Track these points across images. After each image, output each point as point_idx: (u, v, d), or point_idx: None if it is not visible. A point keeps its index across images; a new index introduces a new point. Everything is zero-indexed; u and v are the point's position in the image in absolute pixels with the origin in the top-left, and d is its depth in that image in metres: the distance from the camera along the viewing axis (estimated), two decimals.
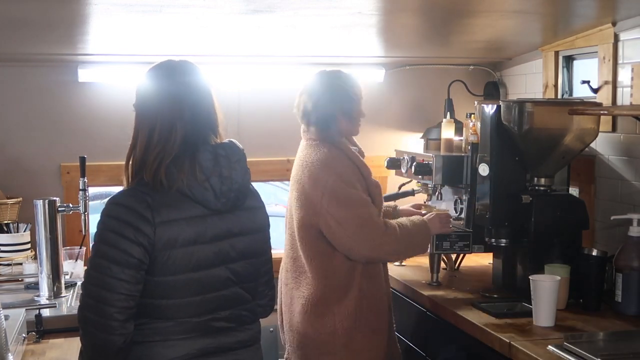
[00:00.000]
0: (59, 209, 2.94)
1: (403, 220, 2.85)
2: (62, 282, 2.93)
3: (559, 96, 3.46)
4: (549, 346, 2.27)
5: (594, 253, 2.70)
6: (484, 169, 2.91)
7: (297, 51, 3.60)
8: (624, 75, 2.98)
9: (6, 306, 2.50)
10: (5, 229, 3.37)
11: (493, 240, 2.93)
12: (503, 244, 2.91)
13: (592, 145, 3.03)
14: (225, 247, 1.92)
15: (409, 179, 3.49)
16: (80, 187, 3.00)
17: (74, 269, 3.17)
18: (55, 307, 2.74)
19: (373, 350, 2.80)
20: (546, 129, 2.79)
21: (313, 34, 3.23)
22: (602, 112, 2.81)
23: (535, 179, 2.89)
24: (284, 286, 2.87)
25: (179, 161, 1.86)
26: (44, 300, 2.86)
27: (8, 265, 3.31)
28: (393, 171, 3.59)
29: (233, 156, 1.92)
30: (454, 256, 3.37)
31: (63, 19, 2.76)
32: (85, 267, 1.93)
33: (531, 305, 2.55)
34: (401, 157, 3.49)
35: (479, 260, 3.49)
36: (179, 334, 1.87)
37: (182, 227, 1.84)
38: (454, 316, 2.73)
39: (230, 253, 1.93)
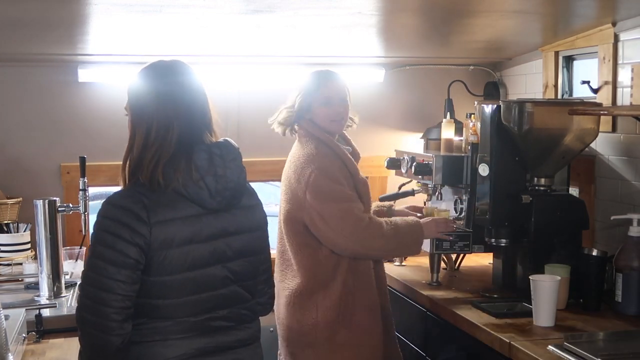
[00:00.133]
0: (59, 209, 2.94)
1: (396, 219, 2.86)
2: (62, 282, 2.93)
3: (559, 96, 3.46)
4: (549, 346, 2.27)
5: (594, 253, 2.70)
6: (484, 169, 2.91)
7: (297, 51, 3.60)
8: (624, 76, 2.98)
9: (6, 306, 2.50)
10: (5, 229, 3.38)
11: (493, 240, 2.93)
12: (503, 244, 2.92)
13: (592, 145, 3.03)
14: (221, 246, 1.92)
15: (409, 179, 3.49)
16: (80, 187, 3.00)
17: (74, 269, 3.18)
18: (55, 307, 2.74)
19: (363, 348, 2.79)
20: (546, 129, 2.79)
21: (313, 34, 3.23)
22: (602, 112, 2.81)
23: (535, 179, 2.89)
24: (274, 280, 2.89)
25: (175, 160, 1.86)
26: (44, 300, 2.87)
27: (8, 265, 3.31)
28: (393, 171, 3.59)
29: (228, 155, 1.93)
30: (454, 256, 3.37)
31: (63, 19, 2.76)
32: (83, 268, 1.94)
33: (531, 305, 2.55)
34: (401, 157, 3.49)
35: (479, 260, 3.49)
36: (177, 334, 1.87)
37: (178, 226, 1.85)
38: (454, 316, 2.73)
39: (226, 252, 1.93)
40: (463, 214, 3.23)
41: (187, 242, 1.86)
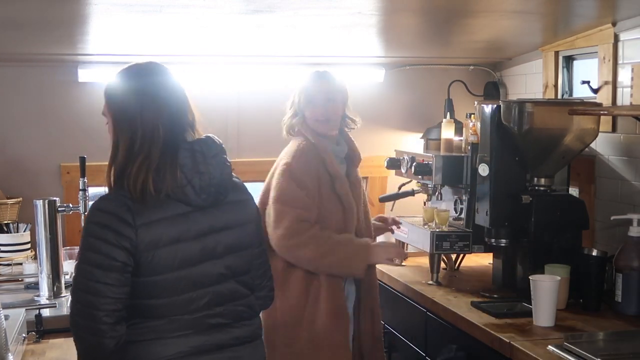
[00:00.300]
0: (59, 209, 2.94)
1: (348, 237, 2.77)
2: (62, 282, 2.93)
3: (559, 96, 3.46)
4: (549, 346, 2.27)
5: (594, 253, 2.70)
6: (484, 169, 2.91)
7: (297, 51, 3.60)
8: (624, 76, 2.98)
9: (6, 306, 2.50)
10: (5, 229, 3.38)
11: (493, 240, 2.93)
12: (503, 244, 2.91)
13: (592, 145, 3.03)
14: (211, 243, 1.92)
15: (409, 179, 3.49)
16: (80, 187, 3.00)
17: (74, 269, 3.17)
18: (55, 307, 2.74)
19: (324, 352, 2.74)
20: (546, 129, 2.79)
21: (313, 34, 3.23)
22: (602, 112, 2.81)
23: (535, 179, 2.89)
24: None
25: (163, 165, 1.86)
26: (44, 300, 2.87)
27: (8, 265, 3.31)
28: (393, 171, 3.59)
29: (209, 152, 1.92)
30: (454, 256, 3.37)
31: (63, 19, 2.76)
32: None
33: (531, 305, 2.55)
34: (401, 157, 3.48)
35: (479, 260, 3.49)
36: (172, 332, 1.87)
37: (164, 226, 1.85)
38: (454, 316, 2.73)
39: (216, 248, 1.93)
40: (463, 214, 3.23)
41: (175, 242, 1.86)
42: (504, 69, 3.95)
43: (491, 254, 3.15)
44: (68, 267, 3.15)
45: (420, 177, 3.33)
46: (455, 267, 3.38)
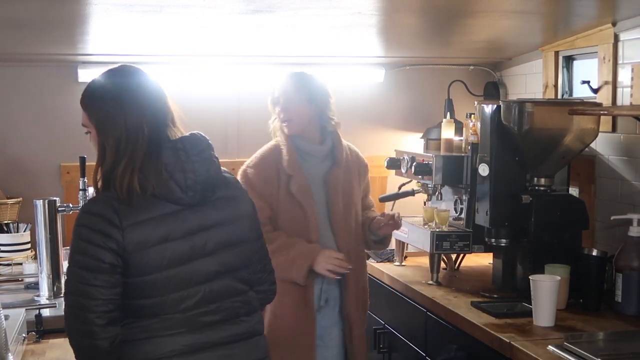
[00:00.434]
0: (59, 209, 2.94)
1: (297, 242, 2.75)
2: (62, 282, 2.93)
3: (559, 96, 3.46)
4: (549, 346, 2.27)
5: (594, 253, 2.70)
6: (484, 169, 2.91)
7: (297, 51, 3.60)
8: (624, 76, 2.98)
9: (6, 306, 2.51)
10: (5, 229, 3.38)
11: (493, 240, 2.93)
12: (503, 244, 2.91)
13: (592, 145, 3.03)
14: (200, 241, 1.91)
15: (409, 179, 3.49)
16: (80, 187, 3.00)
17: None
18: (55, 307, 2.74)
19: (287, 351, 2.74)
20: (546, 129, 2.79)
21: (313, 34, 3.23)
22: (602, 112, 2.81)
23: (535, 179, 2.88)
24: None
25: (147, 164, 1.86)
26: (44, 300, 2.87)
27: (8, 265, 3.31)
28: (393, 171, 3.59)
29: (193, 149, 1.91)
30: (454, 256, 3.37)
31: (63, 19, 2.76)
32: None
33: (531, 305, 2.55)
34: (401, 157, 3.48)
35: (479, 260, 3.49)
36: (164, 331, 1.87)
37: (152, 227, 1.85)
38: (453, 316, 2.73)
39: (206, 245, 1.91)
40: (463, 214, 3.23)
41: (163, 241, 1.86)
42: (504, 69, 3.95)
43: (491, 254, 3.15)
44: None
45: (420, 177, 3.32)
46: (455, 267, 3.38)
